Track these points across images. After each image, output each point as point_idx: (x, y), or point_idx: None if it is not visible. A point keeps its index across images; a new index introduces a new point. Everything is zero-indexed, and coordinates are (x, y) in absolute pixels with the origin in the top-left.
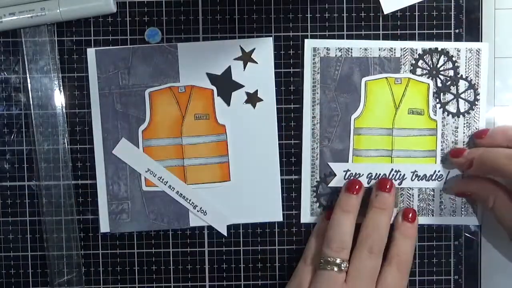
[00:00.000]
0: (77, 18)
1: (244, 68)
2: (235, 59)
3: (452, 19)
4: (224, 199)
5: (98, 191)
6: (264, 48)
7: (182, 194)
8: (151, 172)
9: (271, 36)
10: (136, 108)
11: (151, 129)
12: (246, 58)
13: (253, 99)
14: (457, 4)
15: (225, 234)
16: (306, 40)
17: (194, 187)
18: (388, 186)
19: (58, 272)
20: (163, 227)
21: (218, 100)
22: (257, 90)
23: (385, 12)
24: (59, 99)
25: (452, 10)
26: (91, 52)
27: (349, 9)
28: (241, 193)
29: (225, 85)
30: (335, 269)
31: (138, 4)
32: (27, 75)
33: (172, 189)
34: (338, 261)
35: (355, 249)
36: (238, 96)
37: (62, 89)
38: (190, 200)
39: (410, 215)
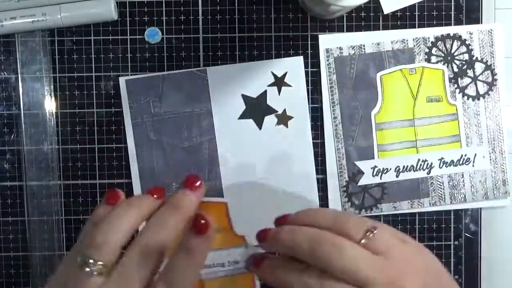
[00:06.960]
0: (78, 24)
1: (279, 93)
2: (269, 85)
3: (452, 19)
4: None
5: None
6: (295, 68)
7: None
8: None
9: (300, 55)
10: (170, 136)
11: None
12: (280, 83)
13: (284, 119)
14: (457, 4)
15: None
16: (320, 36)
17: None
18: (197, 184)
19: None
20: None
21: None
22: (285, 109)
23: (385, 12)
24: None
25: (452, 10)
26: (122, 81)
27: None
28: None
29: (259, 109)
30: (88, 270)
31: (138, 4)
32: (19, 75)
33: None
34: (92, 261)
35: (127, 249)
36: (269, 120)
37: (59, 91)
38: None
39: (203, 221)
